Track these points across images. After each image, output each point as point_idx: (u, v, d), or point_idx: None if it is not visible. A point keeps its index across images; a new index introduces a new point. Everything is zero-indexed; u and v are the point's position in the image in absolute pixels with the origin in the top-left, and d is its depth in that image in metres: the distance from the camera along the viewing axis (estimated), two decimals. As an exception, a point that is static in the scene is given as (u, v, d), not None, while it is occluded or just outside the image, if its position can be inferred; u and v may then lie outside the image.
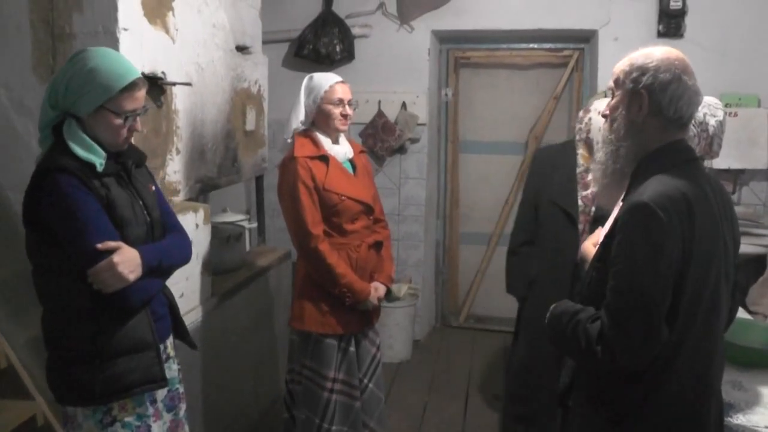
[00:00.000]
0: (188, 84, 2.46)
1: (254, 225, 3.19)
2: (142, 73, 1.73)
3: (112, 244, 1.54)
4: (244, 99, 3.02)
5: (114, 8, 2.03)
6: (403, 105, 4.16)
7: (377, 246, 2.55)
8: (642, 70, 1.37)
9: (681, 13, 3.76)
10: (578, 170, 2.40)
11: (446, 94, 4.50)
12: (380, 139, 4.13)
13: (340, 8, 4.12)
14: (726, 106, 3.14)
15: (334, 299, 2.39)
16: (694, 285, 1.30)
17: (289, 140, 2.44)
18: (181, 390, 1.85)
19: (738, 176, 3.82)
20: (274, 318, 3.21)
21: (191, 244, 1.86)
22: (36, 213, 1.56)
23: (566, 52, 4.32)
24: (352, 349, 2.48)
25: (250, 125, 3.05)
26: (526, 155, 4.48)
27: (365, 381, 2.53)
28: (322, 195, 2.35)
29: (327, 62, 4.06)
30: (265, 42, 3.32)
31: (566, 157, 2.44)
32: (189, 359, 2.23)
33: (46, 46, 2.11)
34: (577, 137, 2.42)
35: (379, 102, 4.16)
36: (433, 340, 4.45)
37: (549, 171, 2.48)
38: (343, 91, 2.40)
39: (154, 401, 1.72)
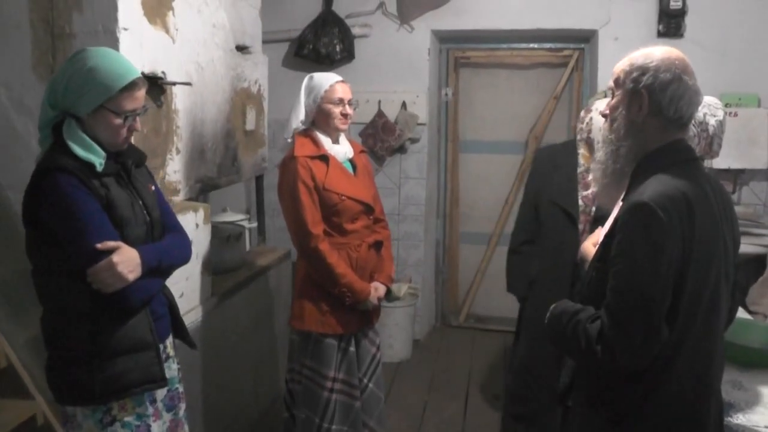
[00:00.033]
0: (188, 84, 2.46)
1: (254, 225, 3.20)
2: (142, 73, 1.73)
3: (111, 243, 1.54)
4: (244, 99, 3.02)
5: (114, 8, 2.03)
6: (403, 105, 4.16)
7: (377, 246, 2.55)
8: (642, 69, 1.37)
9: (681, 13, 3.76)
10: (579, 170, 2.40)
11: (446, 94, 4.50)
12: (380, 138, 4.13)
13: (340, 8, 4.12)
14: (726, 106, 3.14)
15: (334, 299, 2.39)
16: (694, 285, 1.30)
17: (289, 140, 2.44)
18: (181, 389, 1.85)
19: (738, 176, 3.82)
20: (274, 318, 3.21)
21: (191, 244, 1.86)
22: (36, 213, 1.56)
23: (566, 52, 4.32)
24: (352, 348, 2.48)
25: (250, 125, 3.05)
26: (526, 155, 4.48)
27: (365, 381, 2.53)
28: (322, 195, 2.35)
29: (327, 62, 4.06)
30: (265, 42, 3.32)
31: (567, 157, 2.44)
32: (189, 359, 2.23)
33: (45, 45, 2.11)
34: (578, 137, 2.42)
35: (379, 102, 4.16)
36: (433, 339, 4.45)
37: (550, 171, 2.48)
38: (343, 91, 2.40)
39: (153, 401, 1.72)
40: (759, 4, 3.73)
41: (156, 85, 2.26)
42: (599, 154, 1.50)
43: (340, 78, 2.43)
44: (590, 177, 2.26)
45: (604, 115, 1.48)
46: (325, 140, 2.42)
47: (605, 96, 2.02)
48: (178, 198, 2.46)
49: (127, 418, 1.65)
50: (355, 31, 4.14)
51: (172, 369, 1.81)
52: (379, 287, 2.51)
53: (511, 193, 4.54)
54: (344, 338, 2.46)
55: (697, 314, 1.32)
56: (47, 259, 1.59)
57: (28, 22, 2.11)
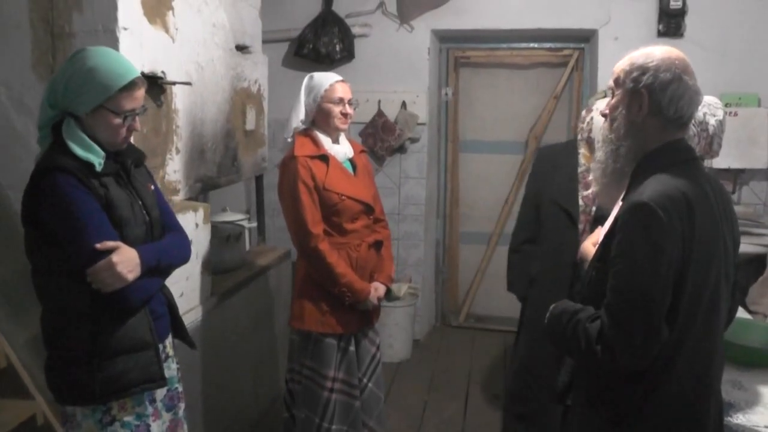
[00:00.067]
0: (188, 83, 2.46)
1: (254, 224, 3.20)
2: (142, 73, 1.73)
3: (110, 243, 1.54)
4: (244, 98, 3.02)
5: (114, 7, 2.03)
6: (403, 104, 4.16)
7: (377, 245, 2.55)
8: (642, 69, 1.37)
9: (681, 13, 3.76)
10: (580, 170, 2.39)
11: (446, 94, 4.50)
12: (380, 138, 4.13)
13: (340, 8, 4.12)
14: (726, 105, 3.14)
15: (333, 299, 2.39)
16: (694, 285, 1.30)
17: (289, 139, 2.44)
18: (180, 389, 1.85)
19: (738, 176, 3.82)
20: (273, 317, 3.21)
21: (190, 244, 1.86)
22: (35, 212, 1.55)
23: (566, 52, 4.32)
24: (352, 348, 2.48)
25: (249, 125, 3.05)
26: (526, 155, 4.48)
27: (365, 380, 2.53)
28: (322, 194, 2.35)
29: (327, 62, 4.06)
30: (265, 41, 3.32)
31: (568, 157, 2.44)
32: (188, 359, 2.23)
33: (45, 44, 2.11)
34: (579, 137, 2.41)
35: (379, 101, 4.16)
36: (433, 339, 4.45)
37: (550, 170, 2.48)
38: (343, 90, 2.40)
39: (153, 400, 1.72)
40: (759, 4, 3.73)
41: (156, 84, 2.26)
42: (599, 154, 1.50)
43: (340, 77, 2.43)
44: (591, 177, 2.26)
45: (604, 115, 1.48)
46: (325, 140, 2.42)
47: (605, 96, 2.02)
48: (178, 198, 2.46)
49: (127, 418, 1.65)
50: (355, 30, 4.14)
51: (171, 369, 1.81)
52: (379, 287, 2.51)
53: (511, 193, 4.54)
54: (344, 338, 2.46)
55: (697, 314, 1.32)
56: (47, 259, 1.59)
57: (28, 22, 2.11)
